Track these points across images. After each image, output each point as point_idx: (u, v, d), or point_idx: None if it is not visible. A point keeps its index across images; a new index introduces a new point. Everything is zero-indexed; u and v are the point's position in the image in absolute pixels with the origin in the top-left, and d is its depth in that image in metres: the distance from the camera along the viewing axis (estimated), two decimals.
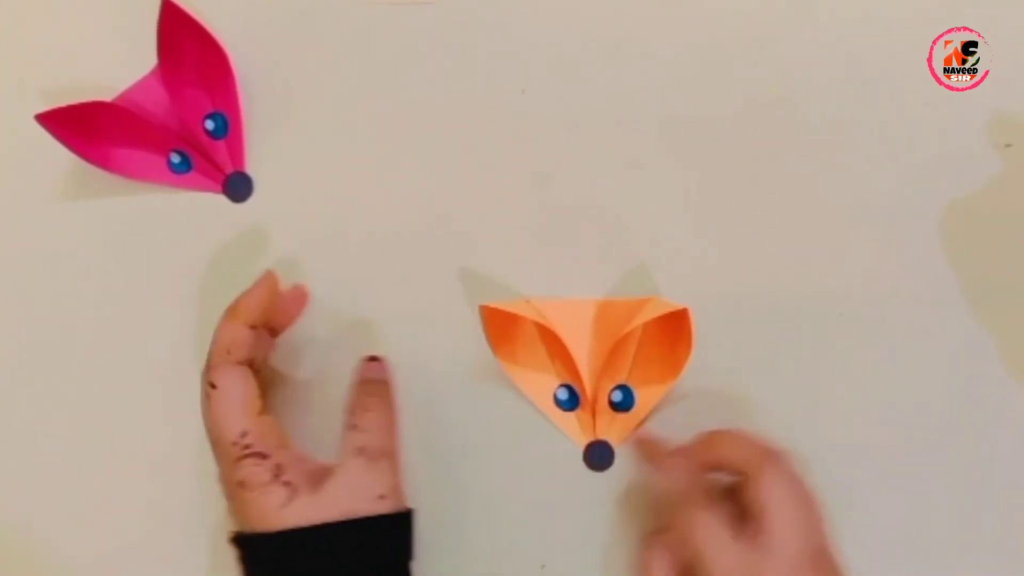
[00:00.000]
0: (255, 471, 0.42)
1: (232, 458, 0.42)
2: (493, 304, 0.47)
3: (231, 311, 0.46)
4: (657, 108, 0.52)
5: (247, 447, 0.42)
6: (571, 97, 0.52)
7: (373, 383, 0.46)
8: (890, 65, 0.51)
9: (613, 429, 0.50)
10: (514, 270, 0.52)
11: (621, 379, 0.50)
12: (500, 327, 0.49)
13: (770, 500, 0.41)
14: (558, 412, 0.50)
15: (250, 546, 0.42)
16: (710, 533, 0.41)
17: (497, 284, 0.52)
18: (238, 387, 0.44)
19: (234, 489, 0.42)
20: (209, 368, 0.44)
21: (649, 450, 0.47)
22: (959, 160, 0.50)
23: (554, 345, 0.49)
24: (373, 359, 0.47)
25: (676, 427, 0.48)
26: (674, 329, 0.48)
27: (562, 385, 0.50)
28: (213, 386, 0.43)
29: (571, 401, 0.50)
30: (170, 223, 0.54)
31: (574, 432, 0.50)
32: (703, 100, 0.52)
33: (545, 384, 0.50)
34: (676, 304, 0.47)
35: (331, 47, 0.54)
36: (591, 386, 0.49)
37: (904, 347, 0.49)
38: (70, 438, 0.53)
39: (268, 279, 0.47)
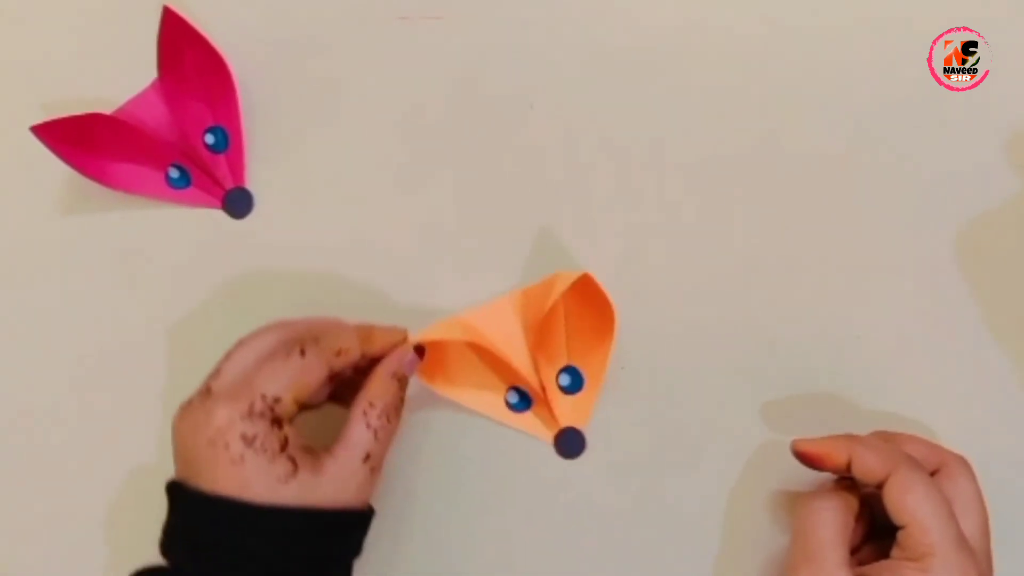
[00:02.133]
0: (268, 434, 0.41)
1: (249, 409, 0.41)
2: (422, 337, 0.47)
3: (367, 331, 0.46)
4: (666, 123, 0.52)
5: (272, 409, 0.41)
6: (580, 113, 0.52)
7: (404, 381, 0.46)
8: (890, 65, 0.51)
9: (574, 413, 0.50)
10: (525, 284, 0.51)
11: (563, 362, 0.50)
12: (428, 359, 0.48)
13: (974, 497, 0.42)
14: (516, 416, 0.50)
15: (224, 510, 0.40)
16: (933, 498, 0.40)
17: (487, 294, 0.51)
18: (314, 372, 0.43)
19: (229, 440, 0.40)
20: (315, 341, 0.43)
21: (818, 447, 0.43)
22: (972, 176, 0.50)
23: (488, 354, 0.49)
24: (419, 351, 0.47)
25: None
26: (591, 297, 0.47)
27: (510, 389, 0.50)
28: (303, 353, 0.43)
29: (524, 402, 0.50)
30: (168, 239, 0.53)
31: (538, 430, 0.50)
32: (713, 114, 0.52)
33: (493, 395, 0.50)
34: (576, 273, 0.46)
35: (335, 61, 0.54)
36: (536, 379, 0.49)
37: (922, 370, 0.49)
38: (66, 454, 0.52)
39: (402, 337, 0.47)
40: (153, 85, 0.53)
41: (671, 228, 0.51)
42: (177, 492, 0.41)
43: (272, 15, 0.54)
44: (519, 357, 0.49)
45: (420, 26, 0.53)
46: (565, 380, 0.50)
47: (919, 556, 0.39)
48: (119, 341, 0.53)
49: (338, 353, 0.44)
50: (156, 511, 0.42)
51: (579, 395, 0.50)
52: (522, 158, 0.52)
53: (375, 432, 0.43)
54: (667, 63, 0.52)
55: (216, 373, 0.43)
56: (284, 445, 0.41)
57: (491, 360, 0.50)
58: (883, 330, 0.50)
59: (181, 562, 0.41)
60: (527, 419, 0.50)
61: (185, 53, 0.51)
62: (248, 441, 0.40)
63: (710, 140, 0.51)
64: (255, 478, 0.40)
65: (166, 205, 0.53)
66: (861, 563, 0.42)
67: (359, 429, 0.43)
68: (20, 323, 0.54)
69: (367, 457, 0.43)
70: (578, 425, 0.50)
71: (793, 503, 0.48)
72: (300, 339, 0.43)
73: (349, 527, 0.43)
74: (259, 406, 0.41)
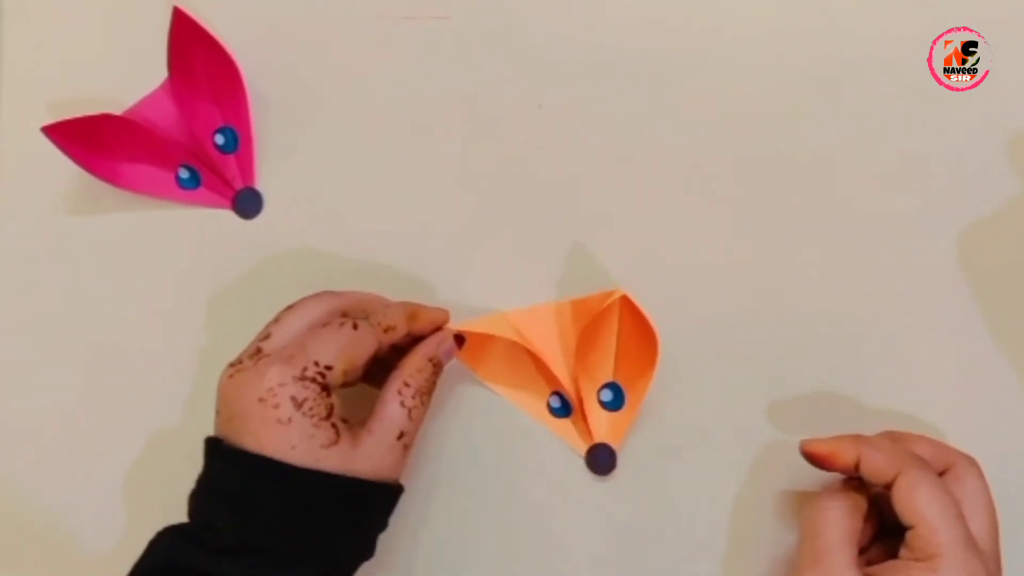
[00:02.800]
0: (317, 400, 0.41)
1: (302, 372, 0.41)
2: (466, 327, 0.48)
3: (414, 310, 0.47)
4: (672, 123, 0.52)
5: (322, 376, 0.42)
6: (589, 112, 0.52)
7: (440, 366, 0.47)
8: (890, 65, 0.51)
9: (609, 430, 0.50)
10: (535, 286, 0.51)
11: (607, 378, 0.50)
12: (476, 348, 0.49)
13: (982, 496, 0.42)
14: (554, 420, 0.50)
15: (259, 468, 0.41)
16: (941, 498, 0.40)
17: (514, 300, 0.51)
18: (364, 345, 0.43)
19: (279, 400, 0.40)
20: (366, 316, 0.44)
21: (826, 447, 0.43)
22: (973, 176, 0.50)
23: (533, 356, 0.49)
24: (458, 340, 0.48)
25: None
26: (641, 321, 0.48)
27: (553, 393, 0.50)
28: (356, 327, 0.43)
29: (565, 408, 0.50)
30: (178, 240, 0.53)
31: (572, 439, 0.50)
32: (719, 113, 0.51)
33: (536, 395, 0.51)
34: (617, 292, 0.47)
35: (344, 61, 0.54)
36: (575, 390, 0.49)
37: (931, 370, 0.49)
38: (77, 453, 0.53)
39: (445, 318, 0.48)
40: (163, 86, 0.52)
41: (674, 229, 0.51)
42: (217, 448, 0.42)
43: (281, 16, 0.54)
44: (556, 366, 0.49)
45: (427, 26, 0.53)
46: (607, 396, 0.50)
47: (927, 556, 0.39)
48: (128, 342, 0.53)
49: (386, 330, 0.45)
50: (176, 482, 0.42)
51: (618, 413, 0.49)
52: (531, 158, 0.52)
53: (409, 411, 0.44)
54: (671, 63, 0.52)
55: (265, 335, 0.43)
56: (330, 413, 0.42)
57: (536, 362, 0.50)
58: (892, 330, 0.50)
59: (213, 519, 0.41)
60: (565, 426, 0.50)
61: (195, 54, 0.51)
62: (297, 404, 0.41)
63: (712, 139, 0.51)
64: (300, 441, 0.41)
65: (176, 205, 0.53)
66: (870, 563, 0.42)
67: (394, 407, 0.44)
68: (31, 323, 0.54)
69: (401, 435, 0.43)
70: (612, 443, 0.50)
71: (801, 503, 0.48)
72: (351, 311, 0.44)
73: (381, 500, 0.44)
74: (311, 371, 0.41)
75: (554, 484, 0.50)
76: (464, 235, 0.52)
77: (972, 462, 0.43)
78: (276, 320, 0.44)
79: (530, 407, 0.50)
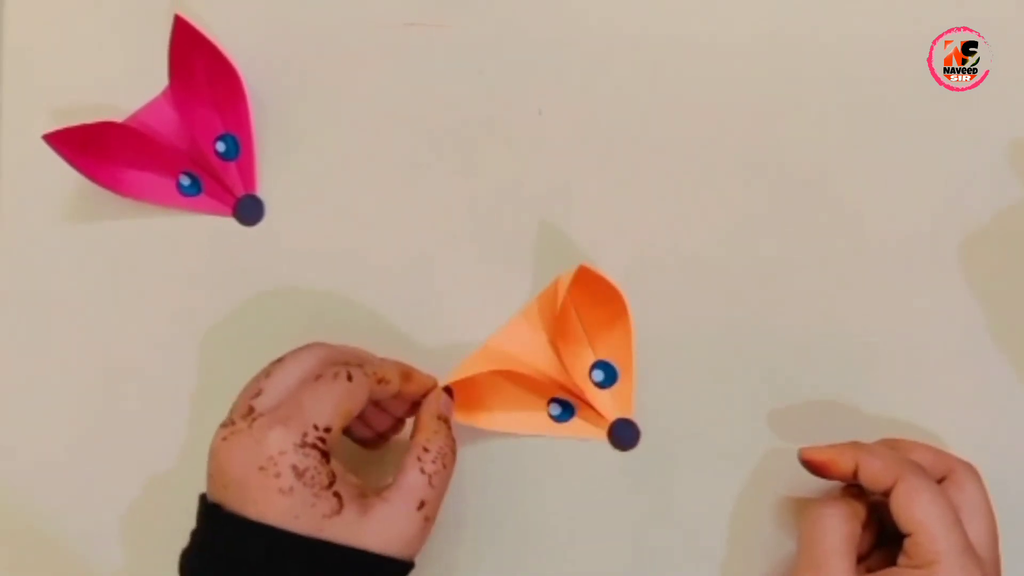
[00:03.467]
0: (318, 468, 0.40)
1: (302, 439, 0.40)
2: (452, 378, 0.47)
3: (408, 369, 0.46)
4: (674, 129, 0.52)
5: (322, 441, 0.40)
6: (589, 119, 0.52)
7: (448, 423, 0.46)
8: (890, 65, 0.51)
9: (617, 405, 0.50)
10: (538, 292, 0.51)
11: (590, 359, 0.50)
12: (464, 399, 0.48)
13: (981, 503, 0.42)
14: (564, 426, 0.50)
15: (263, 537, 0.39)
16: (939, 505, 0.40)
17: (517, 304, 0.51)
18: (359, 398, 0.42)
19: (280, 469, 0.39)
20: (360, 365, 0.43)
21: (825, 454, 0.43)
22: (973, 178, 0.50)
23: (519, 375, 0.49)
24: (448, 392, 0.47)
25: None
26: (596, 288, 0.48)
27: (550, 402, 0.50)
28: (350, 378, 0.42)
29: (567, 410, 0.50)
30: (179, 247, 0.53)
31: (588, 432, 0.50)
32: (719, 119, 0.52)
33: (535, 413, 0.50)
34: (572, 270, 0.46)
35: (345, 68, 0.53)
36: (572, 383, 0.49)
37: (929, 377, 0.49)
38: (76, 463, 0.52)
39: (434, 383, 0.48)
40: (164, 93, 0.52)
41: (676, 235, 0.51)
42: (216, 513, 0.40)
43: (282, 23, 0.54)
44: (552, 366, 0.49)
45: (428, 33, 0.53)
46: (598, 376, 0.50)
47: (926, 564, 0.39)
48: (129, 348, 0.53)
49: (380, 381, 0.43)
50: (173, 520, 0.42)
51: (616, 386, 0.50)
52: (532, 165, 0.52)
53: (429, 478, 0.42)
54: (673, 68, 0.52)
55: (256, 392, 0.41)
56: (332, 481, 0.40)
57: (524, 379, 0.49)
58: (892, 336, 0.49)
59: None
60: (575, 425, 0.50)
61: (196, 61, 0.51)
62: (299, 473, 0.39)
63: (713, 144, 0.51)
64: (302, 510, 0.39)
65: (177, 213, 0.53)
66: (869, 571, 0.42)
67: (414, 474, 0.42)
68: (31, 331, 0.54)
69: (421, 504, 0.42)
70: (626, 415, 0.50)
71: (800, 510, 0.48)
72: (344, 362, 0.43)
73: (386, 573, 0.41)
74: (311, 436, 0.40)
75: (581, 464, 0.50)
76: (470, 241, 0.52)
77: (971, 469, 0.43)
78: (266, 374, 0.42)
79: (534, 427, 0.50)
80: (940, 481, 0.42)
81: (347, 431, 0.45)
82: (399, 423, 0.49)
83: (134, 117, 0.52)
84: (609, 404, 0.50)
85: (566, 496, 0.50)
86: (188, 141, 0.52)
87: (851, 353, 0.50)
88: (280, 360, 0.43)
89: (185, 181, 0.53)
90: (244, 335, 0.52)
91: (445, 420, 0.45)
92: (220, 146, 0.53)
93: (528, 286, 0.51)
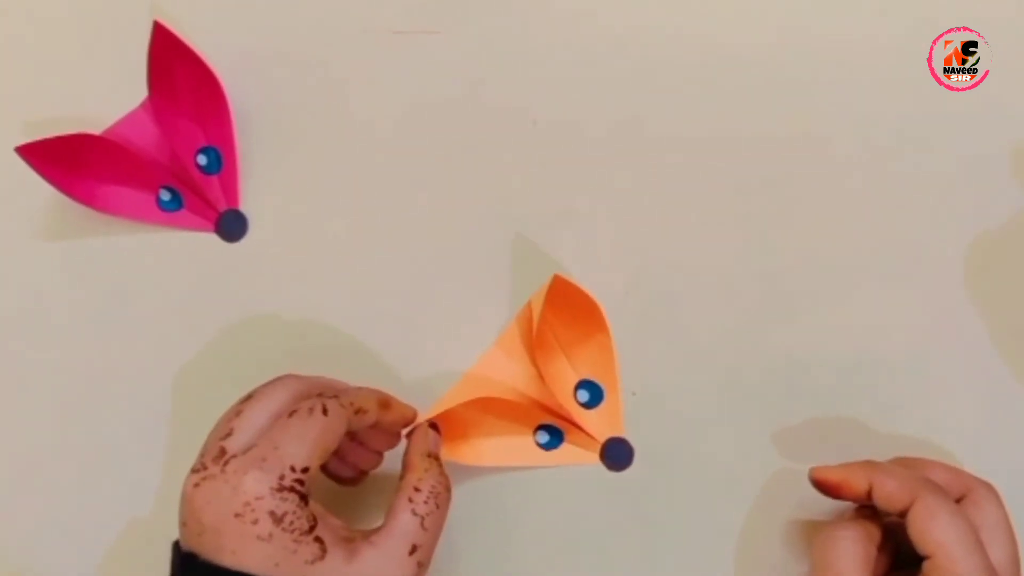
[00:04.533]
0: (297, 512, 0.38)
1: (279, 483, 0.38)
2: (435, 412, 0.46)
3: (386, 398, 0.44)
4: (674, 140, 0.51)
5: (300, 483, 0.39)
6: (584, 129, 0.52)
7: (439, 460, 0.44)
8: (890, 65, 0.51)
9: (607, 424, 0.49)
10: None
11: (572, 379, 0.49)
12: (448, 433, 0.47)
13: (1001, 524, 0.41)
14: (554, 453, 0.49)
15: None
16: (959, 526, 0.39)
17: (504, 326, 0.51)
18: (336, 432, 0.40)
19: (258, 516, 0.37)
20: (335, 396, 0.41)
21: (837, 474, 0.43)
22: (975, 180, 0.50)
23: (503, 404, 0.48)
24: (435, 428, 0.46)
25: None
26: (570, 301, 0.47)
27: (537, 430, 0.49)
28: (325, 411, 0.40)
29: (555, 437, 0.49)
30: (159, 264, 0.52)
31: (579, 456, 0.49)
32: (719, 125, 0.52)
33: (523, 442, 0.49)
34: (544, 286, 0.46)
35: (331, 78, 0.53)
36: (557, 407, 0.48)
37: (943, 392, 0.49)
38: (53, 487, 0.51)
39: (413, 414, 0.46)
40: (143, 104, 0.52)
41: (675, 245, 0.51)
42: (192, 563, 0.38)
43: (265, 31, 0.53)
44: (536, 390, 0.48)
45: (418, 41, 0.53)
46: (584, 396, 0.49)
47: None
48: (107, 371, 0.52)
49: (357, 412, 0.42)
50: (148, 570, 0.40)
51: (603, 405, 0.49)
52: (526, 178, 0.52)
53: (422, 520, 0.41)
54: (671, 75, 0.52)
55: (227, 432, 0.40)
56: (312, 526, 0.38)
57: (508, 410, 0.48)
58: (901, 351, 0.49)
59: None
60: (565, 452, 0.49)
61: (176, 70, 0.51)
62: (277, 519, 0.38)
63: (712, 154, 0.51)
64: (283, 557, 0.38)
65: (157, 229, 0.52)
66: None
67: (405, 516, 0.41)
68: (2, 353, 0.52)
69: (413, 549, 0.40)
70: (617, 433, 0.49)
71: (811, 533, 0.48)
72: (318, 393, 0.41)
73: None
74: (289, 479, 0.38)
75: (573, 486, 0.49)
76: (461, 256, 0.51)
77: (990, 488, 0.42)
78: (236, 413, 0.40)
79: (524, 458, 0.49)
80: (958, 501, 0.41)
81: (322, 468, 0.43)
82: (377, 457, 0.47)
83: (112, 129, 0.52)
84: (598, 424, 0.49)
85: (562, 524, 0.49)
86: (168, 154, 0.52)
87: (859, 368, 0.49)
88: (250, 396, 0.41)
89: (165, 196, 0.52)
90: (228, 356, 0.51)
91: (435, 457, 0.44)
92: (202, 159, 0.52)
93: (522, 300, 0.51)
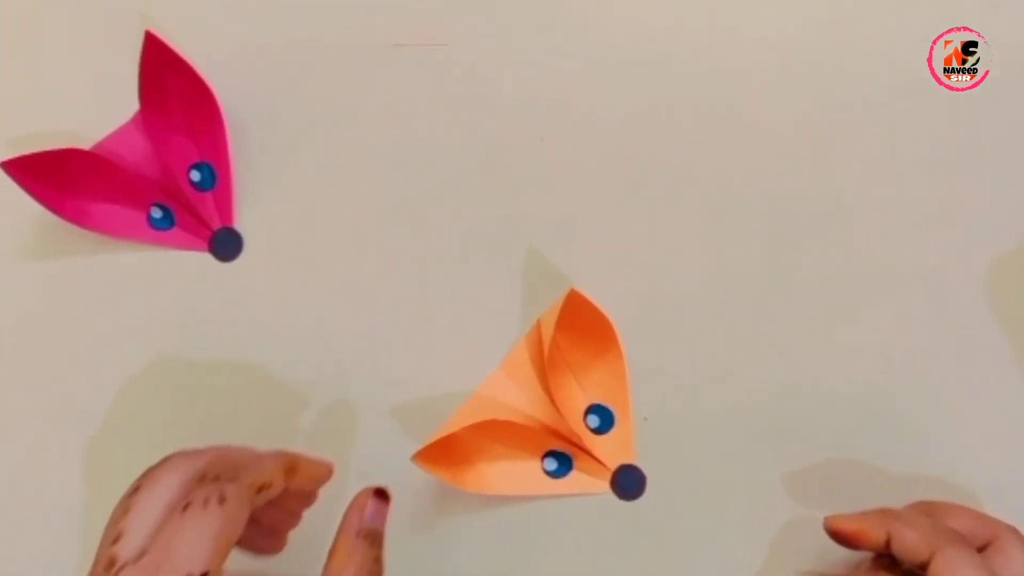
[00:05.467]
0: None
1: None
2: (426, 448, 0.45)
3: (292, 462, 0.40)
4: (682, 154, 0.51)
5: None
6: (592, 145, 0.51)
7: (377, 537, 0.40)
8: (890, 66, 0.51)
9: (618, 451, 0.48)
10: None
11: (583, 403, 0.48)
12: (449, 459, 0.46)
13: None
14: (561, 483, 0.48)
15: None
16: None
17: (514, 336, 0.50)
18: (238, 521, 0.37)
19: None
20: (233, 478, 0.37)
21: (853, 524, 0.42)
22: (973, 178, 0.50)
23: (511, 430, 0.47)
24: (381, 496, 0.41)
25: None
26: (584, 321, 0.47)
27: (545, 457, 0.48)
28: (223, 500, 0.36)
29: (564, 464, 0.48)
30: (150, 285, 0.52)
31: (589, 485, 0.48)
32: (725, 143, 0.51)
33: (530, 471, 0.48)
34: (557, 302, 0.46)
35: (329, 92, 0.53)
36: (567, 432, 0.47)
37: (963, 429, 0.48)
38: (40, 509, 0.50)
39: (328, 472, 0.43)
40: (134, 118, 0.52)
41: (686, 270, 0.50)
42: None
43: (261, 43, 0.53)
44: (545, 413, 0.47)
45: (419, 54, 0.52)
46: (594, 421, 0.48)
47: None
48: (96, 393, 0.51)
49: (260, 489, 0.38)
50: None
51: (615, 431, 0.48)
52: (532, 196, 0.51)
53: None
54: (673, 79, 0.52)
55: (116, 536, 0.35)
56: None
57: (515, 436, 0.47)
58: (917, 386, 0.48)
59: None
60: (575, 480, 0.48)
61: (169, 83, 0.50)
62: None
63: (722, 168, 0.51)
64: None
65: (148, 248, 0.52)
66: None
67: None
68: None
69: None
70: (629, 460, 0.48)
71: None
72: (214, 476, 0.37)
73: None
74: None
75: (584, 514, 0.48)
76: (462, 275, 0.51)
77: (1016, 534, 0.41)
78: (124, 510, 0.36)
79: (531, 487, 0.48)
80: (982, 549, 0.40)
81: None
82: (295, 517, 0.44)
83: (102, 144, 0.52)
84: (609, 450, 0.48)
85: (569, 554, 0.48)
86: (160, 170, 0.51)
87: (872, 406, 0.48)
88: (136, 490, 0.37)
89: (157, 213, 0.52)
90: (222, 379, 0.50)
91: (370, 535, 0.40)
92: (195, 175, 0.52)
93: (528, 321, 0.50)
